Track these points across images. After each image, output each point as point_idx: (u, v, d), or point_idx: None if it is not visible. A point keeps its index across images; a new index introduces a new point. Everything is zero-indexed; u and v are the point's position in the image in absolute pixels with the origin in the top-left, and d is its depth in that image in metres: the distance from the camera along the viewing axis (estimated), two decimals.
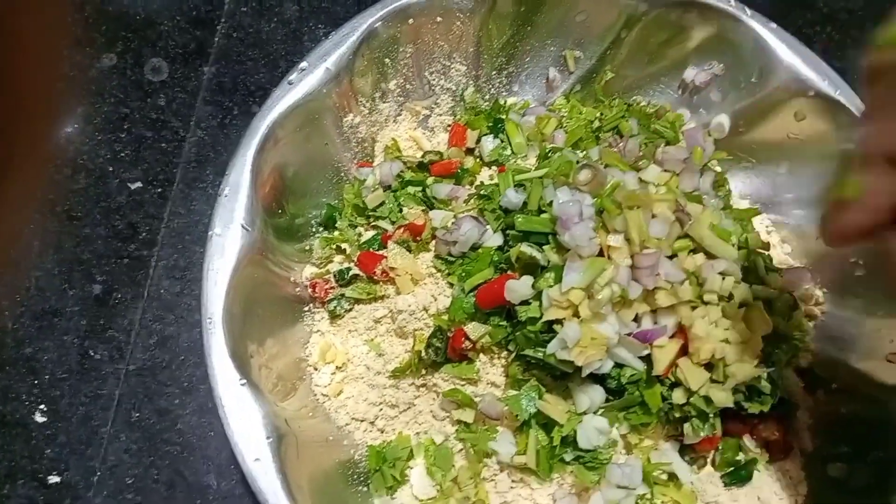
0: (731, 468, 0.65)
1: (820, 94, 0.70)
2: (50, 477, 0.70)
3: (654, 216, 0.58)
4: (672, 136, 0.74)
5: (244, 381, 0.59)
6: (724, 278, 0.60)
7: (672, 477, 0.64)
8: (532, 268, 0.61)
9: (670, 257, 0.59)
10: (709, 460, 0.66)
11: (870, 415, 0.66)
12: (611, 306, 0.57)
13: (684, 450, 0.64)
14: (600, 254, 0.58)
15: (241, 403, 0.59)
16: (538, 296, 0.59)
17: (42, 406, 0.71)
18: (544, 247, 0.60)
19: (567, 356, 0.57)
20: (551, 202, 0.60)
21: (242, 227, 0.63)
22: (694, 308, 0.59)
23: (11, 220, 0.77)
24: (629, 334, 0.58)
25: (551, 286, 0.58)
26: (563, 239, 0.57)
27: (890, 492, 0.60)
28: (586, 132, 0.73)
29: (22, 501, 0.69)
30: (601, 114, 0.76)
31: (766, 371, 0.60)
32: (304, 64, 0.68)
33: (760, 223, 0.76)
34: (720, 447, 0.65)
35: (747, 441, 0.66)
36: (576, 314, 0.57)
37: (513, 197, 0.63)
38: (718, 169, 0.76)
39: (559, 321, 0.57)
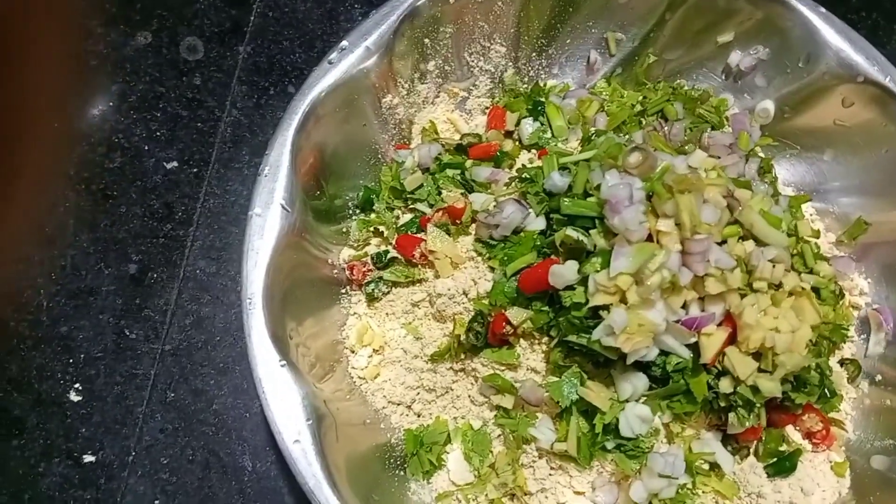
0: (775, 459, 0.64)
1: (869, 79, 0.69)
2: (85, 456, 0.70)
3: (705, 201, 0.57)
4: (717, 120, 0.73)
5: (284, 361, 0.59)
6: (774, 266, 0.58)
7: (714, 467, 0.63)
8: (577, 252, 0.60)
9: (720, 244, 0.58)
10: (751, 450, 0.65)
11: None
12: (659, 293, 0.56)
13: (727, 440, 0.63)
14: (649, 238, 0.57)
15: (280, 384, 0.58)
16: (583, 281, 0.58)
17: (77, 385, 0.71)
18: (591, 231, 0.59)
19: (613, 343, 0.56)
20: (598, 185, 0.59)
21: (282, 207, 0.62)
22: (743, 296, 0.58)
23: (45, 198, 0.77)
24: (677, 321, 0.57)
25: (598, 271, 0.56)
26: (611, 223, 0.56)
27: None
28: (629, 116, 0.72)
29: (57, 479, 0.69)
30: (644, 97, 0.74)
31: (815, 361, 0.59)
32: (344, 43, 0.67)
33: (805, 211, 0.75)
34: (763, 437, 0.64)
35: (791, 432, 0.65)
36: (623, 300, 0.56)
37: (557, 180, 0.62)
38: (763, 155, 0.74)
39: (605, 307, 0.56)
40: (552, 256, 0.62)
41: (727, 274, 0.56)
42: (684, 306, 0.58)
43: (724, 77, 0.77)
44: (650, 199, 0.58)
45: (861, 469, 0.66)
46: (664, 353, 0.59)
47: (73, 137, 0.80)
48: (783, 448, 0.64)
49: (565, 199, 0.60)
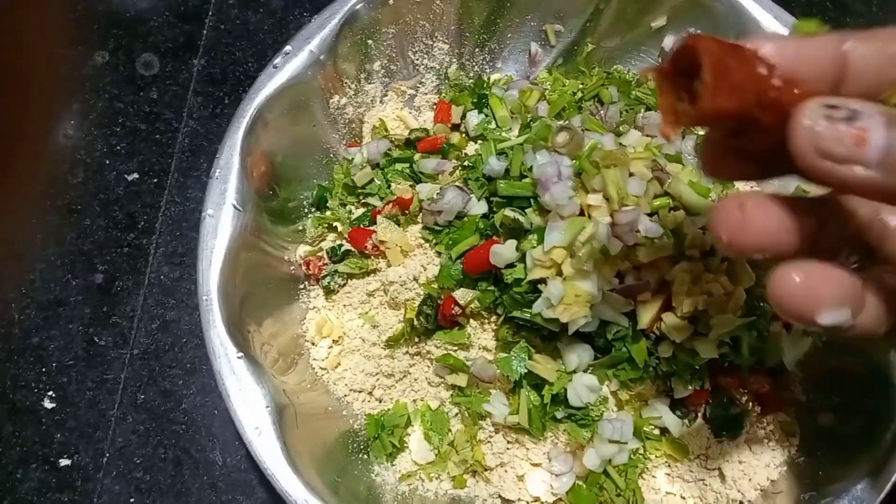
0: (722, 420, 0.66)
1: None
2: (61, 460, 0.72)
3: (631, 174, 0.60)
4: (653, 102, 0.76)
5: (241, 354, 0.61)
6: (704, 233, 0.61)
7: (664, 431, 0.65)
8: (516, 232, 0.63)
9: (650, 215, 0.60)
10: (700, 414, 0.67)
11: (858, 366, 0.67)
12: (592, 263, 0.58)
13: (675, 404, 0.66)
14: (581, 214, 0.59)
15: (239, 377, 0.61)
16: (523, 258, 0.61)
17: (50, 392, 0.74)
18: (527, 210, 0.62)
19: (552, 314, 0.58)
20: (532, 167, 0.62)
21: (234, 207, 0.65)
22: (676, 263, 0.60)
23: (14, 216, 0.80)
24: (612, 290, 0.59)
25: (534, 247, 0.59)
26: (543, 200, 0.59)
27: (878, 437, 0.61)
28: (569, 102, 0.75)
29: (34, 484, 0.71)
30: (583, 84, 0.77)
31: (748, 322, 0.61)
32: (288, 48, 0.70)
33: (745, 184, 0.77)
34: (710, 401, 0.66)
35: (738, 395, 0.67)
36: (559, 273, 0.58)
37: (495, 164, 0.65)
38: (700, 132, 0.77)
39: (543, 280, 0.59)
40: (494, 238, 0.64)
41: (657, 242, 0.59)
42: (620, 277, 0.60)
43: (660, 61, 0.80)
44: (580, 177, 0.61)
45: (809, 427, 0.68)
46: (605, 323, 0.61)
47: (39, 156, 0.82)
48: (730, 411, 0.67)
49: (502, 182, 0.63)
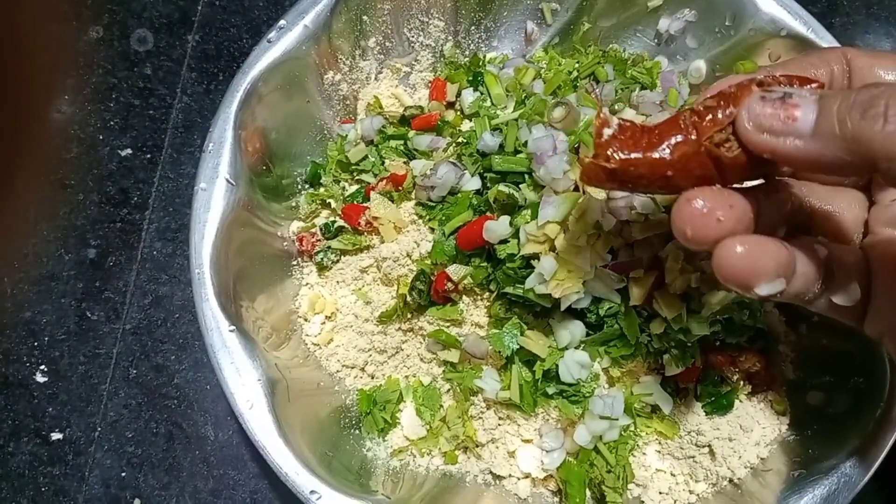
0: (713, 398, 0.66)
1: (791, 33, 0.71)
2: (52, 434, 0.72)
3: None
4: (649, 81, 0.76)
5: (233, 327, 0.61)
6: None
7: (655, 408, 0.66)
8: (510, 208, 0.62)
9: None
10: (691, 392, 0.67)
11: (849, 345, 0.67)
12: (585, 239, 0.58)
13: (666, 382, 0.66)
14: (575, 189, 0.59)
15: (231, 350, 0.61)
16: (516, 234, 0.61)
17: (42, 367, 0.74)
18: (521, 185, 0.61)
19: (545, 290, 0.58)
20: (527, 142, 0.61)
21: (227, 181, 0.65)
22: (669, 240, 0.60)
23: (7, 191, 0.79)
24: (605, 266, 0.59)
25: (528, 222, 0.59)
26: (538, 174, 0.59)
27: (866, 415, 0.61)
28: (564, 81, 0.75)
29: (26, 458, 0.71)
30: (578, 62, 0.77)
31: (741, 299, 0.61)
32: (282, 22, 0.69)
33: None
34: (701, 378, 0.66)
35: (729, 373, 0.67)
36: (552, 248, 0.59)
37: (489, 140, 0.64)
38: None
39: (536, 256, 0.59)
40: (487, 213, 0.64)
41: (650, 218, 0.59)
42: (614, 253, 0.60)
43: (656, 41, 0.79)
44: (576, 152, 0.61)
45: (799, 406, 0.69)
46: (597, 299, 0.61)
47: (32, 132, 0.82)
48: (721, 388, 0.67)
49: (496, 157, 0.63)
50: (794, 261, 0.45)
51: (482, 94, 0.76)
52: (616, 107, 0.70)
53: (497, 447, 0.66)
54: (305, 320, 0.71)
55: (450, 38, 0.80)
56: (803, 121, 0.40)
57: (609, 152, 0.43)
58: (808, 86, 0.42)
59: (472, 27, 0.80)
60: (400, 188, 0.69)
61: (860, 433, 0.61)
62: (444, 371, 0.67)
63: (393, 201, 0.69)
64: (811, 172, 0.43)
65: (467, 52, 0.81)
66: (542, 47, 0.82)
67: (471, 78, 0.77)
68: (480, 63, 0.79)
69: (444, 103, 0.77)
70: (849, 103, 0.39)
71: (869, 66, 0.47)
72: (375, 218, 0.68)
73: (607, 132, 0.43)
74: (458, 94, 0.77)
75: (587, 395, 0.63)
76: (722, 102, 0.43)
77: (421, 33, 0.79)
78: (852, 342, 0.67)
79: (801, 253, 0.46)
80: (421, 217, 0.68)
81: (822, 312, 0.51)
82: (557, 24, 0.81)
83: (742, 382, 0.68)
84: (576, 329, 0.62)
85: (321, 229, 0.72)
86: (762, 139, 0.41)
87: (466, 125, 0.76)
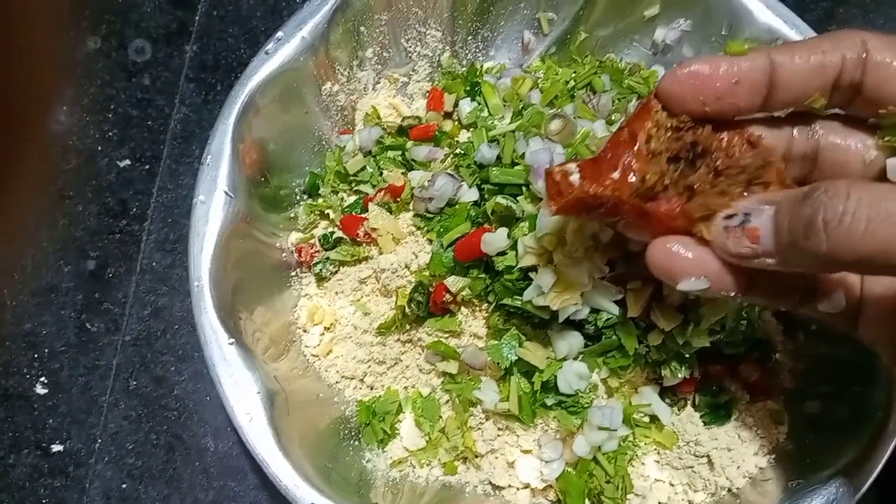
0: (711, 408, 0.66)
1: (788, 42, 0.71)
2: (53, 446, 0.72)
3: None
4: (646, 91, 0.76)
5: (233, 340, 0.61)
6: None
7: (653, 419, 0.66)
8: (508, 220, 0.63)
9: None
10: (689, 402, 0.67)
11: (847, 354, 0.67)
12: (583, 251, 0.58)
13: (665, 392, 0.66)
14: None
15: (231, 363, 0.61)
16: (514, 245, 0.61)
17: (43, 378, 0.74)
18: (518, 198, 0.62)
19: (543, 302, 0.58)
20: (524, 154, 0.62)
21: (226, 193, 0.65)
22: None
23: (5, 202, 0.79)
24: (603, 278, 0.59)
25: (526, 234, 0.59)
26: (535, 187, 0.59)
27: (864, 424, 0.62)
28: (562, 91, 0.75)
29: (27, 470, 0.71)
30: (575, 72, 0.77)
31: (739, 312, 0.61)
32: (280, 34, 0.69)
33: None
34: (700, 388, 0.67)
35: (727, 382, 0.68)
36: (550, 260, 0.59)
37: (486, 152, 0.65)
38: None
39: (534, 268, 0.59)
40: (485, 225, 0.64)
41: None
42: (611, 264, 0.60)
43: (652, 51, 0.80)
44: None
45: (798, 415, 0.69)
46: (596, 310, 0.61)
47: (31, 143, 0.82)
48: (719, 398, 0.67)
49: (494, 169, 0.63)
50: (720, 267, 0.47)
51: (479, 104, 0.76)
52: (613, 117, 0.70)
53: (496, 458, 0.66)
54: (304, 331, 0.71)
55: (447, 48, 0.80)
56: (765, 239, 0.42)
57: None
58: (757, 198, 0.45)
59: (469, 37, 0.80)
60: (398, 199, 0.69)
61: (859, 442, 0.61)
62: (443, 382, 0.67)
63: (391, 212, 0.69)
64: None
65: (464, 62, 0.81)
66: (538, 57, 0.82)
67: (468, 88, 0.77)
68: (478, 73, 0.79)
69: (442, 113, 0.77)
70: (796, 219, 0.40)
71: (889, 48, 0.45)
72: (374, 229, 0.68)
73: (575, 179, 0.46)
74: (456, 105, 0.77)
75: (586, 405, 0.63)
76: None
77: (418, 43, 0.79)
78: (851, 351, 0.67)
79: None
80: (419, 228, 0.68)
81: (815, 319, 0.54)
82: (554, 33, 0.81)
83: (740, 392, 0.68)
84: (574, 340, 0.62)
85: (320, 240, 0.72)
86: (742, 263, 0.44)
87: (464, 136, 0.76)
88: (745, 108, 0.46)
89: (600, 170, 0.47)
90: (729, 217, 0.44)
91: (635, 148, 0.46)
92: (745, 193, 0.46)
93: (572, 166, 0.47)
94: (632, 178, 0.46)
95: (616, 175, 0.46)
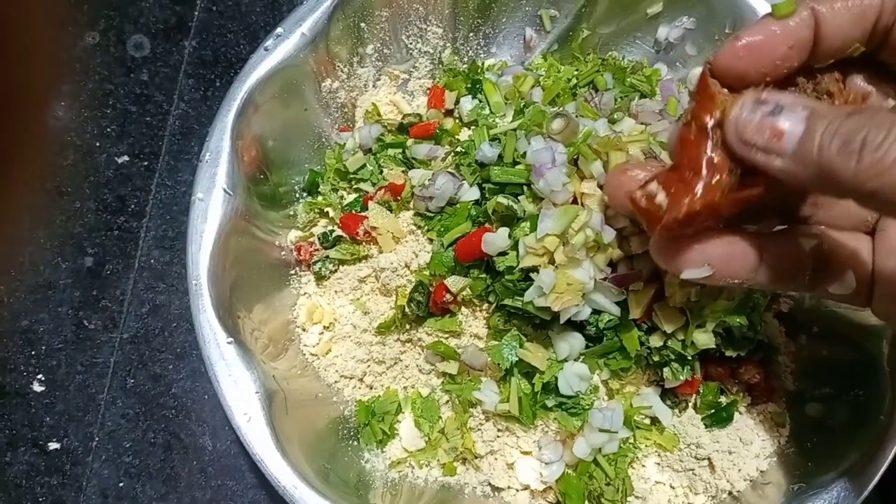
0: (713, 410, 0.66)
1: None
2: (50, 443, 0.72)
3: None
4: (648, 89, 0.75)
5: (231, 339, 0.61)
6: None
7: (654, 421, 0.65)
8: (509, 219, 0.62)
9: None
10: (690, 404, 0.67)
11: (849, 356, 0.67)
12: (585, 252, 0.58)
13: (666, 394, 0.66)
14: (574, 202, 0.59)
15: (229, 362, 0.60)
16: (514, 246, 0.60)
17: (40, 376, 0.73)
18: (520, 197, 0.61)
19: (544, 303, 0.58)
20: (525, 153, 0.61)
21: (224, 191, 0.64)
22: None
23: (2, 198, 0.79)
24: (604, 279, 0.59)
25: (527, 234, 0.59)
26: (537, 186, 0.58)
27: (866, 427, 0.61)
28: (563, 89, 0.74)
29: (23, 467, 0.71)
30: (577, 70, 0.76)
31: (740, 314, 0.61)
32: (279, 30, 0.69)
33: None
34: (701, 390, 0.66)
35: (728, 384, 0.67)
36: (551, 261, 0.58)
37: (487, 150, 0.64)
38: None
39: (535, 269, 0.58)
40: (486, 225, 0.64)
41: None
42: (613, 265, 0.60)
43: (655, 49, 0.79)
44: (575, 164, 0.60)
45: (799, 417, 0.68)
46: (597, 311, 0.61)
47: (28, 138, 0.81)
48: (720, 400, 0.67)
49: (495, 168, 0.63)
50: (727, 253, 0.47)
51: (481, 101, 0.75)
52: (615, 116, 0.69)
53: (496, 459, 0.66)
54: (303, 330, 0.71)
55: (448, 44, 0.79)
56: (788, 140, 0.40)
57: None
58: (794, 97, 0.42)
59: (471, 34, 0.80)
60: (398, 198, 0.69)
61: (860, 446, 0.61)
62: (442, 382, 0.67)
63: (391, 211, 0.69)
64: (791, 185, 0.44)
65: (466, 59, 0.81)
66: (540, 54, 0.81)
67: (469, 85, 0.76)
68: (479, 70, 0.78)
69: (443, 111, 0.76)
70: (833, 130, 0.38)
71: None
72: (374, 228, 0.68)
73: (661, 199, 0.44)
74: (457, 102, 0.76)
75: (586, 407, 0.63)
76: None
77: (419, 40, 0.78)
78: (853, 353, 0.67)
79: (745, 244, 0.48)
80: (419, 227, 0.68)
81: (827, 298, 0.53)
82: (556, 30, 0.80)
83: (742, 394, 0.68)
84: (575, 341, 0.62)
85: (319, 238, 0.71)
86: (745, 153, 0.42)
87: (465, 133, 0.75)
88: (797, 66, 0.45)
89: (683, 179, 0.43)
90: (760, 102, 0.41)
91: (709, 142, 0.43)
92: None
93: (654, 186, 0.44)
94: (717, 179, 0.43)
95: (702, 183, 0.43)
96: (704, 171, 0.43)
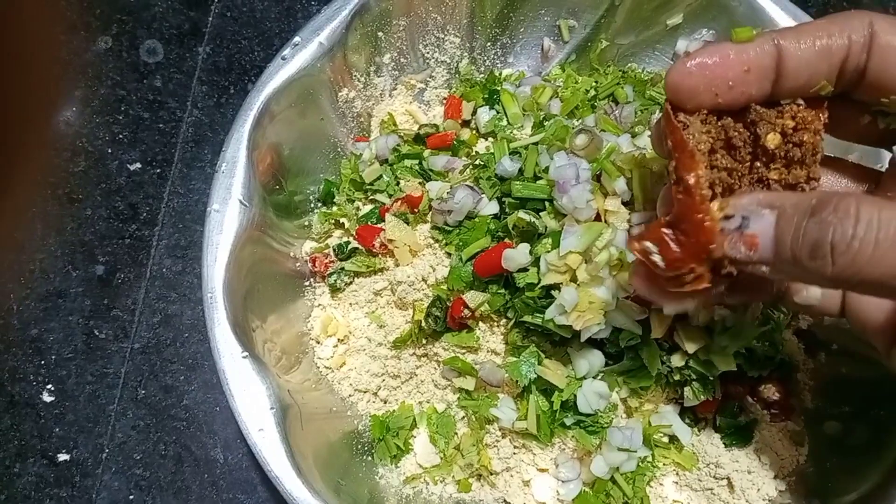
0: (732, 429, 0.65)
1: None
2: (59, 455, 0.71)
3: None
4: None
5: (246, 353, 0.60)
6: None
7: (673, 439, 0.65)
8: (529, 235, 0.61)
9: None
10: (709, 422, 0.66)
11: (869, 375, 0.66)
12: (608, 270, 0.57)
13: (685, 412, 0.65)
14: (597, 218, 0.58)
15: (243, 376, 0.60)
16: (535, 262, 0.59)
17: (49, 386, 0.72)
18: (541, 213, 0.60)
19: (565, 321, 0.57)
20: (547, 168, 0.60)
21: (240, 202, 0.64)
22: None
23: (14, 204, 0.78)
24: (627, 297, 0.58)
25: (549, 251, 0.58)
26: (560, 203, 0.58)
27: (886, 448, 0.60)
28: (582, 100, 0.73)
29: (32, 479, 0.70)
30: (597, 82, 0.76)
31: (764, 329, 0.60)
32: (297, 39, 0.68)
33: None
34: (721, 408, 0.65)
35: (748, 402, 0.66)
36: (573, 279, 0.57)
37: (508, 165, 0.63)
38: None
39: (557, 286, 0.58)
40: (506, 240, 0.63)
41: None
42: None
43: (674, 61, 0.78)
44: (598, 180, 0.59)
45: (818, 437, 0.68)
46: (618, 329, 0.60)
47: (39, 144, 0.81)
48: (740, 418, 0.66)
49: (516, 183, 0.62)
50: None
51: (498, 112, 0.74)
52: (636, 129, 0.68)
53: (512, 476, 0.65)
54: (318, 343, 0.70)
55: (465, 54, 0.79)
56: (764, 247, 0.40)
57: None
58: (757, 198, 0.41)
59: (489, 43, 0.79)
60: (416, 210, 0.68)
61: (881, 467, 0.60)
62: (458, 398, 0.66)
63: (408, 223, 0.68)
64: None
65: (483, 69, 0.80)
66: (558, 64, 0.80)
67: (486, 96, 0.76)
68: (496, 80, 0.78)
69: (460, 121, 0.75)
70: (799, 236, 0.39)
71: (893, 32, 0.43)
72: (390, 240, 0.67)
73: (657, 259, 0.44)
74: (474, 113, 0.76)
75: (605, 425, 0.62)
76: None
77: (436, 49, 0.77)
78: (873, 372, 0.66)
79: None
80: (437, 241, 0.67)
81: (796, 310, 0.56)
82: (574, 41, 0.79)
83: (760, 412, 0.67)
84: (595, 359, 0.61)
85: (334, 250, 0.71)
86: (732, 267, 0.42)
87: (482, 144, 0.74)
88: (756, 96, 0.44)
89: (677, 239, 0.44)
90: (727, 218, 0.41)
91: (698, 199, 0.42)
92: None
93: (650, 246, 0.44)
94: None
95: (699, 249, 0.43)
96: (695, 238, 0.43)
